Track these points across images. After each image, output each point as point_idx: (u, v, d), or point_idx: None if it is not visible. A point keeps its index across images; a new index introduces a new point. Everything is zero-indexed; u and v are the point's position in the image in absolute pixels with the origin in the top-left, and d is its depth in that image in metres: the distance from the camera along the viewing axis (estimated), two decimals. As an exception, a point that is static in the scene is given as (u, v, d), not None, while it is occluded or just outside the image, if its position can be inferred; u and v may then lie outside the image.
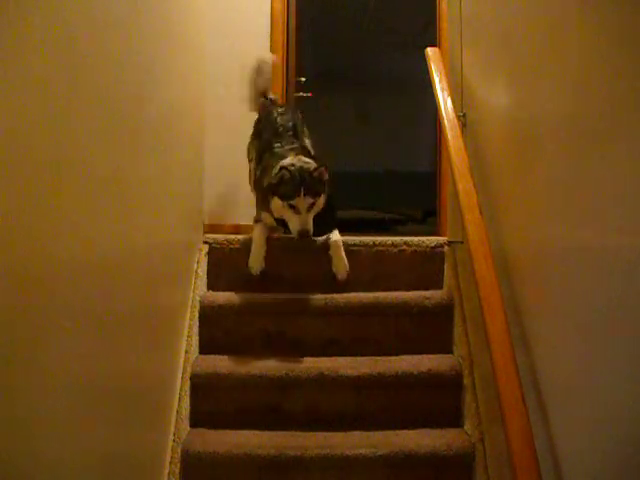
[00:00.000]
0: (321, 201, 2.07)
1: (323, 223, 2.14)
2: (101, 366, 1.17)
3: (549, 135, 1.28)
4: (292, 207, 2.02)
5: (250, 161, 2.50)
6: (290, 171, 2.01)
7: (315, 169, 2.04)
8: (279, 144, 2.25)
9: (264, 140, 2.36)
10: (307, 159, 2.12)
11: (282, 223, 2.14)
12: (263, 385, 1.88)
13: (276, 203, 2.06)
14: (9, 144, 0.82)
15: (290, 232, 2.07)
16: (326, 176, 2.09)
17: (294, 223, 2.02)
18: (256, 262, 2.14)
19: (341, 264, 2.14)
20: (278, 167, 2.04)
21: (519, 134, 1.51)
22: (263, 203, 2.19)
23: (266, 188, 2.10)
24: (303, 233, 2.00)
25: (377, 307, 2.05)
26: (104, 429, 1.20)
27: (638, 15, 0.91)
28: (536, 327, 1.34)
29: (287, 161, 2.08)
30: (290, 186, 2.01)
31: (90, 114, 1.11)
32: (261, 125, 2.47)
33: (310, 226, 2.01)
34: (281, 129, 2.32)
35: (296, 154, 2.14)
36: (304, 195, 2.00)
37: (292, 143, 2.26)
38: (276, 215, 2.12)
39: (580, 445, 1.10)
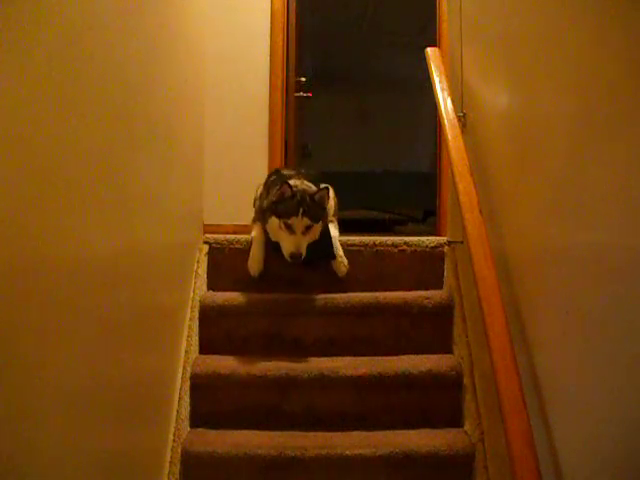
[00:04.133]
0: (318, 228, 2.04)
1: (321, 250, 2.10)
2: (101, 366, 1.17)
3: (549, 135, 1.28)
4: (288, 227, 1.98)
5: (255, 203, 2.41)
6: (292, 189, 1.99)
7: (317, 192, 2.02)
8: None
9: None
10: (310, 183, 2.11)
11: (277, 250, 2.08)
12: (263, 385, 1.88)
13: (273, 222, 2.02)
14: (9, 143, 0.82)
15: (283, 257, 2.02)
16: (328, 202, 2.09)
17: (288, 244, 1.98)
18: (255, 264, 2.14)
19: (338, 261, 2.14)
20: (280, 184, 2.02)
21: (519, 134, 1.51)
22: (261, 219, 2.16)
23: (266, 208, 2.08)
24: (295, 255, 1.95)
25: (377, 307, 2.05)
26: (104, 429, 1.20)
27: (638, 15, 0.92)
28: (536, 327, 1.34)
29: (291, 181, 2.06)
30: (289, 204, 1.98)
31: (90, 114, 1.11)
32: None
33: (303, 250, 1.97)
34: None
35: (300, 178, 2.13)
36: (302, 215, 1.97)
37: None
38: (272, 237, 2.08)
39: (580, 445, 1.10)
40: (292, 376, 1.86)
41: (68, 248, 1.02)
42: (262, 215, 2.14)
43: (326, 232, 2.13)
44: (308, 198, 2.00)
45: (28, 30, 0.87)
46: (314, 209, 2.01)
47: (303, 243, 1.99)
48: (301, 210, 1.97)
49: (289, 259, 1.98)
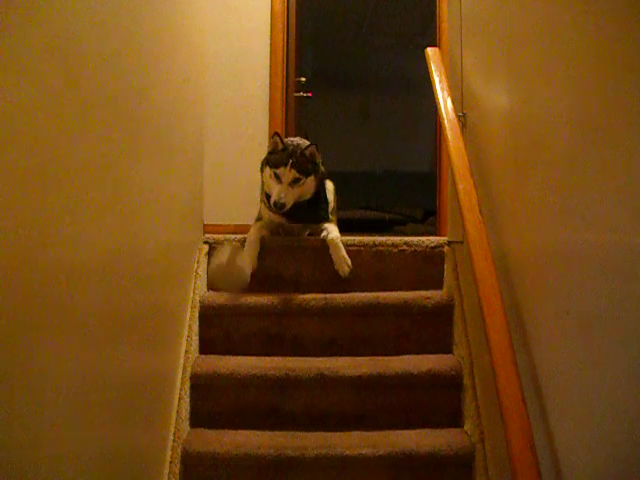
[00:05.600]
0: (308, 183, 2.14)
1: (314, 212, 2.21)
2: (101, 366, 1.17)
3: (549, 135, 1.28)
4: (277, 177, 2.09)
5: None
6: (283, 142, 2.13)
7: (307, 147, 2.14)
8: None
9: None
10: (307, 142, 2.22)
11: (277, 229, 2.19)
12: (263, 385, 1.88)
13: (266, 173, 2.15)
14: (8, 144, 0.82)
15: (281, 233, 2.16)
16: (318, 157, 2.19)
17: (274, 193, 2.09)
18: (248, 260, 2.15)
19: (342, 261, 2.14)
20: (272, 135, 2.19)
21: (519, 134, 1.51)
22: (262, 193, 2.27)
23: (263, 161, 2.20)
24: (278, 204, 2.06)
25: (377, 307, 2.05)
26: (104, 429, 1.20)
27: (638, 15, 0.92)
28: (536, 327, 1.34)
29: (290, 138, 2.23)
30: (279, 155, 2.11)
31: (90, 114, 1.11)
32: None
33: (289, 201, 2.08)
34: None
35: (301, 137, 2.27)
36: (290, 167, 2.08)
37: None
38: (265, 189, 2.19)
39: (580, 445, 1.10)
40: (292, 376, 1.86)
41: (68, 248, 1.02)
42: (261, 170, 2.23)
43: (321, 196, 2.24)
44: (299, 152, 2.12)
45: (29, 30, 0.87)
46: (303, 162, 2.12)
47: (289, 194, 2.09)
48: (290, 162, 2.08)
49: (273, 207, 2.09)
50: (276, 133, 2.18)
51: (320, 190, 2.23)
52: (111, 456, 1.24)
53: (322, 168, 2.23)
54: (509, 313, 1.39)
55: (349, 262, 2.15)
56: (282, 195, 2.06)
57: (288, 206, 2.07)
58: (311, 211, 2.20)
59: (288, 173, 2.08)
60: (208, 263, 2.23)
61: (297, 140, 2.20)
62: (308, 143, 2.18)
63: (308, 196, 2.17)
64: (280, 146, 2.12)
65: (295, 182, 2.10)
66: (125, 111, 1.33)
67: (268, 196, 2.16)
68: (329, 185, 2.33)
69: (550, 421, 1.22)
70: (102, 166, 1.18)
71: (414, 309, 2.05)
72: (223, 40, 2.95)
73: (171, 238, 1.84)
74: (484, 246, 1.51)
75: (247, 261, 2.15)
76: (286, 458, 1.68)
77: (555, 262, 1.24)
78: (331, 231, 2.19)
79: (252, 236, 2.19)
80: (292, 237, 2.27)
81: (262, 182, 2.25)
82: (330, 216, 2.28)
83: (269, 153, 2.17)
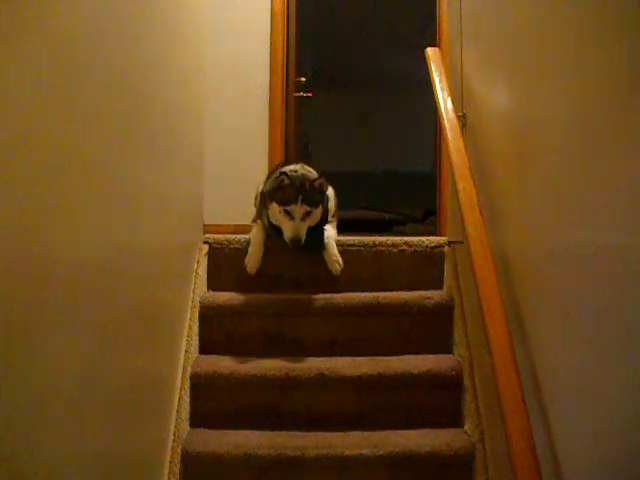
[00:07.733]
0: (318, 212, 2.09)
1: (316, 237, 2.15)
2: (101, 366, 1.17)
3: (549, 135, 1.29)
4: (288, 213, 2.03)
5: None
6: (290, 177, 2.05)
7: (316, 179, 2.07)
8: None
9: None
10: (311, 169, 2.17)
11: (276, 232, 2.13)
12: (263, 385, 1.88)
13: (274, 208, 2.08)
14: (10, 144, 0.82)
15: (283, 240, 2.08)
16: (326, 188, 2.14)
17: (287, 230, 2.04)
18: (252, 261, 2.15)
19: (333, 259, 2.15)
20: (279, 172, 2.08)
21: (519, 134, 1.51)
22: (261, 210, 2.22)
23: (266, 194, 2.14)
24: (295, 240, 2.01)
25: (377, 307, 2.05)
26: (104, 429, 1.20)
27: (638, 14, 0.92)
28: (536, 327, 1.34)
29: (290, 167, 2.13)
30: (288, 192, 2.04)
31: (90, 114, 1.11)
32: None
33: (303, 234, 2.03)
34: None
35: (301, 164, 2.19)
36: (301, 202, 2.02)
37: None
38: (273, 221, 2.13)
39: (580, 445, 1.10)
40: (292, 376, 1.86)
41: (69, 248, 1.02)
42: (262, 201, 2.18)
43: (323, 219, 2.17)
44: (307, 184, 2.05)
45: (29, 33, 0.87)
46: (312, 194, 2.05)
47: (302, 228, 2.04)
48: (300, 197, 2.02)
49: (290, 244, 2.03)
50: (284, 172, 2.06)
51: (324, 214, 2.17)
52: (111, 456, 1.24)
53: (327, 191, 2.20)
54: (509, 313, 1.39)
55: (340, 261, 2.15)
56: (297, 232, 2.01)
57: (303, 239, 2.03)
58: (314, 236, 2.12)
59: (300, 209, 2.02)
60: (208, 263, 2.24)
61: (299, 169, 2.13)
62: (313, 173, 2.13)
63: (314, 224, 2.11)
64: (287, 181, 2.04)
65: (306, 215, 2.05)
66: (125, 112, 1.33)
67: (273, 225, 2.12)
68: (329, 191, 2.28)
69: (550, 421, 1.22)
70: (102, 165, 1.18)
71: (414, 309, 2.05)
72: (223, 40, 2.95)
73: (171, 238, 1.84)
74: (484, 246, 1.51)
75: (251, 262, 2.15)
76: (286, 458, 1.68)
77: (555, 262, 1.24)
78: (325, 229, 2.20)
79: (256, 237, 2.19)
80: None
81: (262, 204, 2.18)
82: (330, 218, 2.28)
83: (274, 189, 2.06)
